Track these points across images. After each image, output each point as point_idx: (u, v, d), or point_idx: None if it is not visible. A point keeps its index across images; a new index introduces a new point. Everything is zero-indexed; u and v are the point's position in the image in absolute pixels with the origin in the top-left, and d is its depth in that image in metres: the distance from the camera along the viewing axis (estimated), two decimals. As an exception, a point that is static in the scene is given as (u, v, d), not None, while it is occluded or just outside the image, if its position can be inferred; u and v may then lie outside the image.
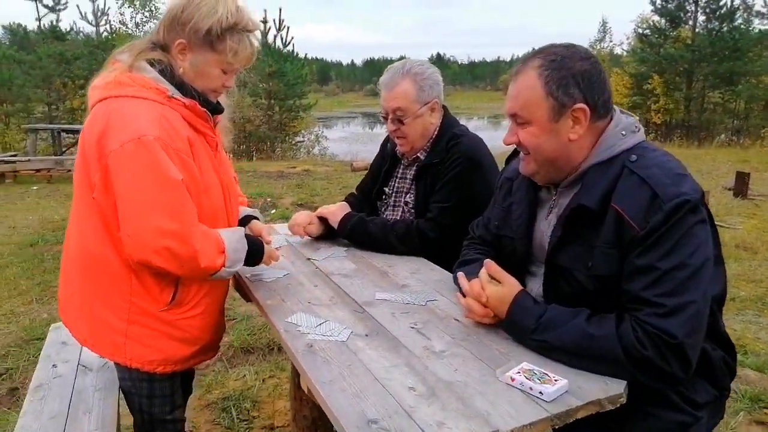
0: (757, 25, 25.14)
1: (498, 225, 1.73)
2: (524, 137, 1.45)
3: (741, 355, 3.39)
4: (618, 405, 1.21)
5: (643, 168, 1.34)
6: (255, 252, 1.78)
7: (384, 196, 2.44)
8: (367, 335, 1.49)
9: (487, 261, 1.52)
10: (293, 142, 22.77)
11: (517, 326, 1.41)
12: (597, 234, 1.36)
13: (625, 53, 33.56)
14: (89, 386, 2.04)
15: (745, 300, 4.38)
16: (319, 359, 1.36)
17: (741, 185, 8.68)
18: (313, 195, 9.12)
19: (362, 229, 2.21)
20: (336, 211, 2.30)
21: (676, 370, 1.23)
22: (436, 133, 2.27)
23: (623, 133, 1.41)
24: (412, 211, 2.32)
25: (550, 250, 1.48)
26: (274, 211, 7.81)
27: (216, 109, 1.75)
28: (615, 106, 1.48)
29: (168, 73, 1.61)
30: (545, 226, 1.55)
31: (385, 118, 2.24)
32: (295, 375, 2.25)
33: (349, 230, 2.23)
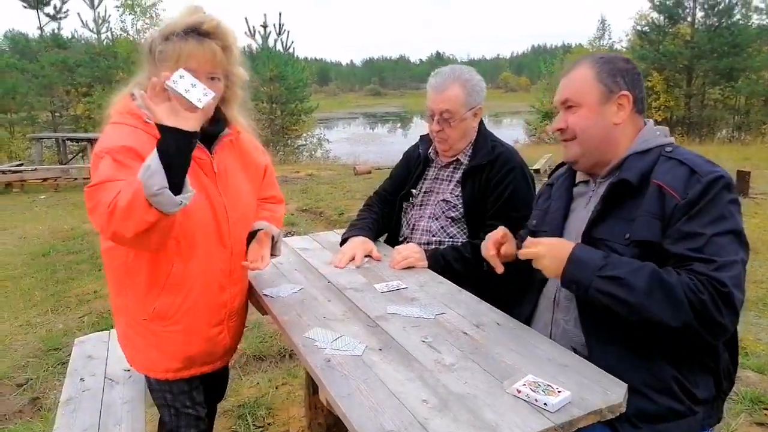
0: (756, 20, 25.22)
1: (536, 223, 1.88)
2: (573, 120, 1.64)
3: (742, 357, 3.43)
4: (618, 414, 1.29)
5: (678, 155, 1.52)
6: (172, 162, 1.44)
7: (411, 198, 2.56)
8: (380, 349, 1.58)
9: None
10: (295, 146, 22.89)
11: (584, 264, 1.47)
12: (636, 207, 1.50)
13: (624, 50, 33.59)
14: (117, 399, 2.14)
15: (746, 301, 4.43)
16: (337, 374, 1.45)
17: (742, 184, 8.74)
18: (318, 200, 9.22)
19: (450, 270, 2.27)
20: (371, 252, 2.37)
21: (726, 320, 1.36)
22: (474, 137, 2.44)
23: (657, 132, 1.62)
24: (445, 209, 2.43)
25: (589, 224, 1.59)
26: (279, 217, 7.89)
27: (211, 132, 1.76)
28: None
29: None
30: (584, 214, 1.66)
31: (431, 118, 2.37)
32: (310, 383, 2.35)
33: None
